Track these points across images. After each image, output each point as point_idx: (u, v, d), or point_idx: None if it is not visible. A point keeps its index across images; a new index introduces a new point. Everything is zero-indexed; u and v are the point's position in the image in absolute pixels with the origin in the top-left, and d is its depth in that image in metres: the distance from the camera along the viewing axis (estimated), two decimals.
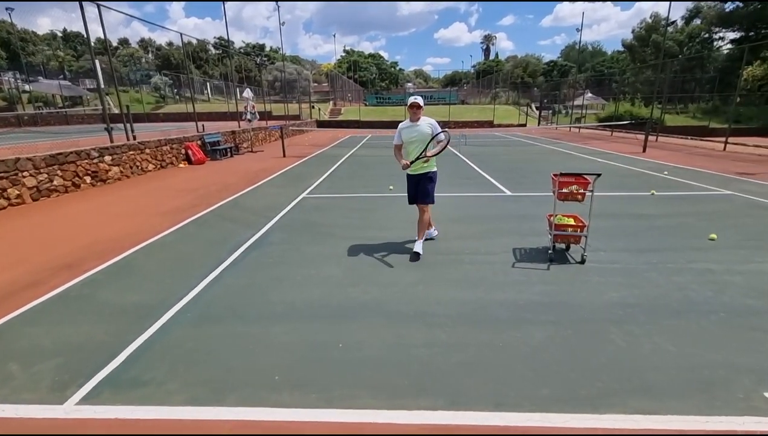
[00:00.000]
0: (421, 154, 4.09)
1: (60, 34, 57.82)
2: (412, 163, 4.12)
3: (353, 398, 2.23)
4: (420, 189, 4.30)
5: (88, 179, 8.47)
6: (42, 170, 7.42)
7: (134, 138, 10.49)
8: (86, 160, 8.43)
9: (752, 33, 29.66)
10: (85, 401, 2.25)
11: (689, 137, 19.94)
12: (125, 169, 9.64)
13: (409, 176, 4.39)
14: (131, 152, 9.89)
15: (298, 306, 3.30)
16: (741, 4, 30.90)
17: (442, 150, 4.11)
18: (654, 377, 2.36)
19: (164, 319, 3.10)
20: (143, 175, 10.17)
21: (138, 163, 10.16)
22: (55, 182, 7.68)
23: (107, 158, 9.03)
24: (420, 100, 4.13)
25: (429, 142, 4.11)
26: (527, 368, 2.48)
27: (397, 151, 4.37)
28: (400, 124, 4.32)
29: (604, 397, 2.20)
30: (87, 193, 8.07)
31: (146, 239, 5.04)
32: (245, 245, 4.78)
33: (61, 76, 45.06)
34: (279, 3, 31.99)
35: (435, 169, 4.33)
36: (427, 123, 4.16)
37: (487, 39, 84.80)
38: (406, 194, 4.53)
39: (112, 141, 9.57)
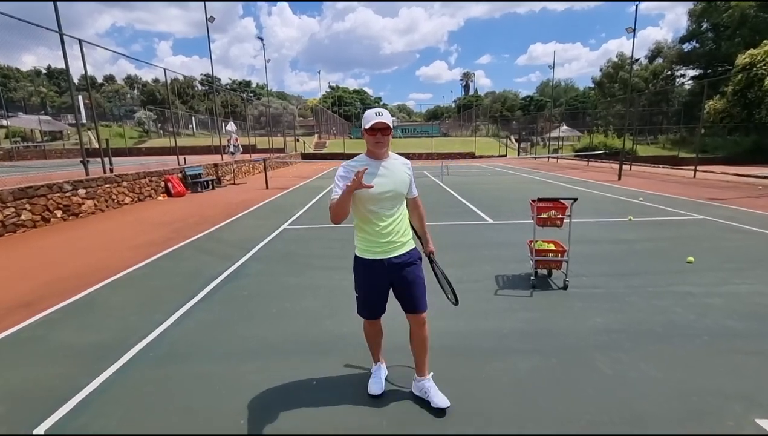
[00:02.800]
0: (395, 231, 2.15)
1: (44, 71, 57.99)
2: (384, 242, 2.13)
3: None
4: (405, 286, 2.20)
5: (59, 213, 8.16)
6: (9, 204, 7.11)
7: (111, 171, 10.28)
8: (58, 194, 8.15)
9: (710, 70, 31.92)
10: None
11: (660, 166, 20.80)
12: (100, 202, 9.36)
13: (370, 265, 2.16)
14: (107, 185, 9.64)
15: (270, 341, 3.11)
16: (698, 45, 33.43)
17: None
18: (643, 406, 2.25)
19: (123, 360, 2.86)
20: (119, 209, 9.89)
21: (114, 197, 9.89)
22: (22, 217, 7.35)
23: (81, 191, 8.77)
24: (388, 118, 2.03)
25: (405, 203, 2.26)
26: (512, 402, 2.34)
27: (338, 207, 2.00)
28: (345, 163, 2.15)
29: (593, 430, 2.07)
30: (57, 227, 7.75)
31: (113, 274, 4.78)
32: (220, 277, 4.58)
33: (43, 112, 44.72)
34: (264, 42, 32.99)
35: (414, 245, 2.29)
36: (400, 163, 2.21)
37: (467, 76, 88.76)
38: (361, 297, 2.31)
39: (87, 174, 9.34)
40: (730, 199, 9.81)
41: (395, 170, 2.16)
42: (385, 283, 2.21)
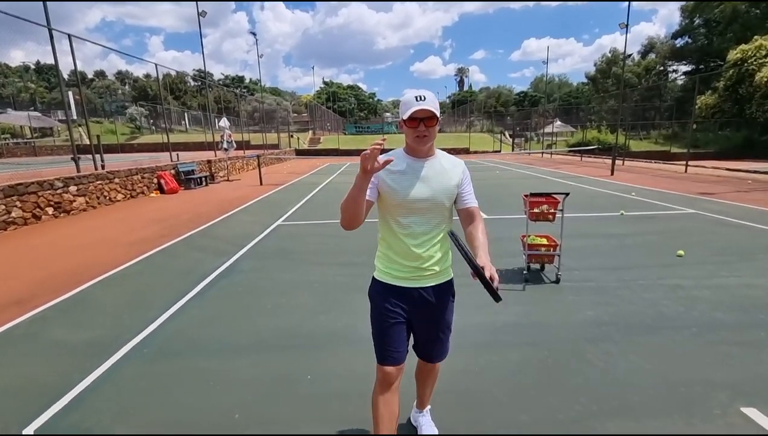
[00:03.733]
0: (430, 255, 1.65)
1: (33, 67, 57.04)
2: (412, 266, 1.65)
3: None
4: (428, 328, 1.77)
5: (50, 211, 8.07)
6: None
7: (103, 167, 10.17)
8: (49, 191, 8.06)
9: (702, 66, 32.19)
10: None
11: (653, 161, 21.00)
12: (91, 199, 9.27)
13: (390, 292, 1.69)
14: (99, 182, 9.55)
15: (265, 337, 3.12)
16: (690, 40, 33.68)
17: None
18: (631, 396, 2.29)
19: (117, 356, 2.85)
20: (111, 206, 9.80)
21: (106, 193, 9.80)
22: (12, 214, 7.27)
23: (72, 188, 8.67)
24: (433, 104, 1.50)
25: (446, 222, 1.69)
26: (504, 393, 2.37)
27: (348, 204, 1.47)
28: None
29: (582, 420, 2.12)
30: (48, 224, 7.67)
31: (106, 271, 4.75)
32: (213, 274, 4.57)
33: (32, 108, 44.02)
34: (257, 37, 32.73)
35: (451, 275, 1.79)
36: (450, 164, 1.66)
37: (461, 72, 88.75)
38: (376, 333, 1.73)
39: (79, 171, 9.24)
40: (720, 193, 9.93)
41: (439, 173, 1.60)
42: (407, 316, 1.68)
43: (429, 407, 2.10)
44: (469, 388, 2.42)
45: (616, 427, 2.05)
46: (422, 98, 1.49)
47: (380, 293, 1.70)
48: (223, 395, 2.40)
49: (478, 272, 1.34)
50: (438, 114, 1.51)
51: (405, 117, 1.50)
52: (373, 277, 1.76)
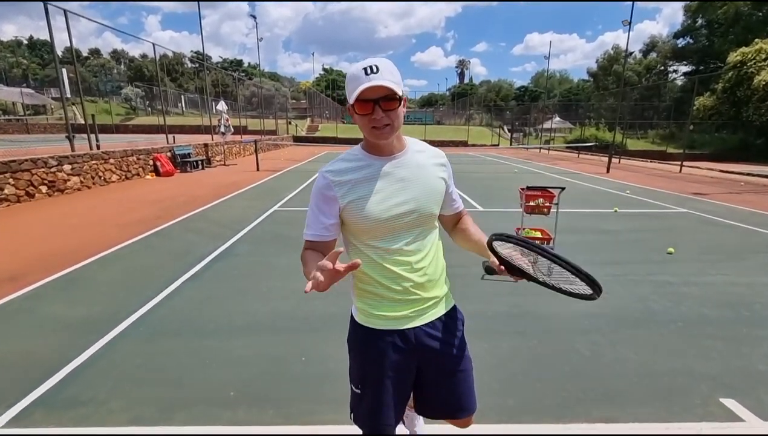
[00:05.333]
0: (425, 282, 1.26)
1: (25, 42, 55.77)
2: (406, 299, 1.24)
3: (313, 414, 2.11)
4: (443, 376, 1.33)
5: (44, 189, 8.00)
6: None
7: (98, 147, 10.06)
8: (43, 169, 7.97)
9: (702, 67, 32.24)
10: (13, 423, 2.02)
11: (649, 160, 21.14)
12: (86, 179, 9.18)
13: (381, 339, 1.26)
14: (93, 162, 9.45)
15: (260, 319, 3.15)
16: (692, 41, 33.66)
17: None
18: (616, 385, 2.37)
19: (113, 334, 2.88)
20: (106, 186, 9.72)
21: (100, 174, 9.70)
22: (6, 191, 7.20)
23: (66, 167, 8.58)
24: (390, 77, 1.06)
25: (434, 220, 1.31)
26: (494, 379, 2.44)
27: (310, 259, 1.14)
28: (326, 169, 1.22)
29: (568, 406, 2.18)
30: (42, 203, 7.60)
31: (101, 250, 4.75)
32: (209, 257, 4.58)
33: (25, 84, 43.18)
34: (257, 20, 32.20)
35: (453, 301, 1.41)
36: (428, 155, 1.27)
37: (462, 64, 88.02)
38: (363, 394, 1.34)
39: (73, 149, 9.13)
40: (713, 194, 10.06)
41: (418, 171, 1.22)
42: (409, 368, 1.29)
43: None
44: None
45: (600, 413, 2.13)
46: (373, 69, 1.05)
47: (370, 343, 1.27)
48: (219, 374, 2.44)
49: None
50: (399, 91, 1.08)
51: (352, 100, 1.09)
52: (353, 321, 1.35)
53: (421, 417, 1.75)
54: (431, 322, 1.29)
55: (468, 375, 1.37)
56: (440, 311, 1.32)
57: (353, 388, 1.36)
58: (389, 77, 1.06)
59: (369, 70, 1.05)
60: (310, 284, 0.94)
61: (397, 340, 1.25)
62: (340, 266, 0.95)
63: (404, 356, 1.26)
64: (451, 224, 1.42)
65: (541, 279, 1.13)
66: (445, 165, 1.31)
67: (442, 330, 1.30)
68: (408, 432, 1.90)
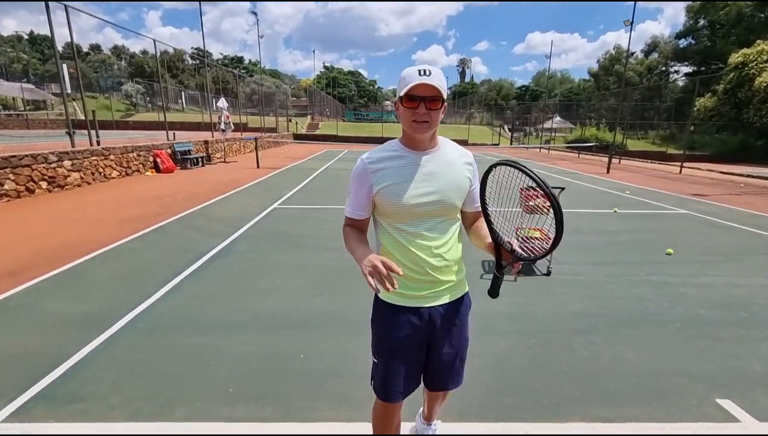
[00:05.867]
0: (444, 266, 1.39)
1: (26, 37, 55.63)
2: (425, 280, 1.39)
3: (311, 410, 2.12)
4: (448, 350, 1.51)
5: (44, 185, 8.00)
6: None
7: (98, 143, 10.05)
8: (43, 165, 7.97)
9: (703, 67, 32.20)
10: (13, 417, 2.04)
11: (649, 161, 21.14)
12: (86, 175, 9.18)
13: (402, 314, 1.41)
14: (94, 158, 9.44)
15: (260, 316, 3.17)
16: (693, 41, 33.60)
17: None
18: (614, 385, 2.38)
19: (113, 330, 2.89)
20: (106, 183, 9.72)
21: (101, 170, 9.70)
22: (6, 187, 7.20)
23: (66, 163, 8.58)
24: (439, 80, 1.22)
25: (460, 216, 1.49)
26: (492, 377, 2.45)
27: (354, 237, 1.37)
28: (366, 157, 1.37)
29: (565, 405, 2.20)
30: (42, 198, 7.60)
31: (102, 246, 4.76)
32: (209, 254, 4.59)
33: (25, 80, 43.06)
34: (258, 17, 32.13)
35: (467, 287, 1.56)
36: (457, 154, 1.42)
37: (463, 63, 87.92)
38: (381, 364, 1.49)
39: (73, 145, 9.12)
40: (712, 195, 10.07)
41: (446, 168, 1.35)
42: (420, 344, 1.44)
43: (438, 421, 1.93)
44: None
45: (598, 413, 2.14)
46: (427, 72, 1.20)
47: (388, 318, 1.42)
48: (218, 370, 2.45)
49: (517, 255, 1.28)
50: (444, 95, 1.23)
51: (402, 93, 1.22)
52: (376, 298, 1.46)
53: (434, 426, 1.90)
54: (444, 304, 1.43)
55: (464, 355, 1.57)
56: (453, 295, 1.45)
57: (373, 358, 1.53)
58: (438, 82, 1.21)
59: (423, 72, 1.21)
60: (373, 282, 1.13)
61: (412, 317, 1.40)
62: (384, 269, 1.13)
63: (416, 331, 1.41)
64: (470, 221, 1.52)
65: (528, 255, 1.33)
66: (472, 165, 1.44)
67: (453, 313, 1.45)
68: (417, 432, 1.96)
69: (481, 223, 1.45)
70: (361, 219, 1.41)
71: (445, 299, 1.43)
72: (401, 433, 1.90)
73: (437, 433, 1.95)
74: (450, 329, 1.46)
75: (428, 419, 1.91)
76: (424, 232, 1.35)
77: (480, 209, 1.44)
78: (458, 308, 1.48)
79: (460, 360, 1.55)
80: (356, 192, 1.37)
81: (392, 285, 1.12)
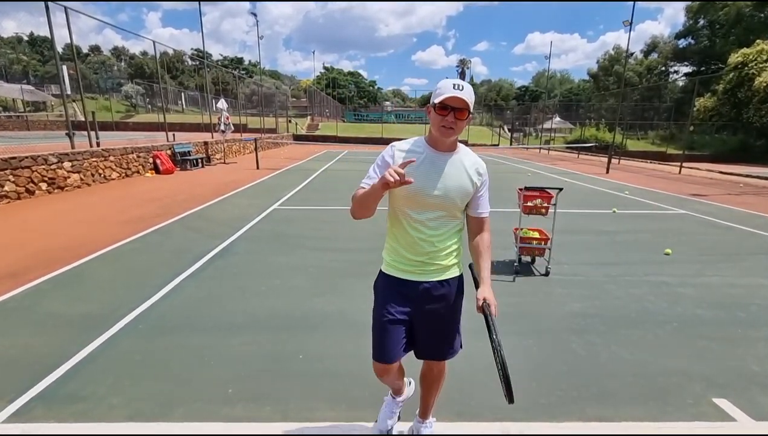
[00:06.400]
0: (436, 250, 1.59)
1: (26, 38, 55.68)
2: (416, 259, 1.60)
3: (310, 411, 2.14)
4: (431, 323, 1.68)
5: (43, 186, 8.01)
6: None
7: (98, 145, 10.07)
8: (43, 166, 7.99)
9: (703, 68, 32.22)
10: (13, 418, 2.05)
11: (648, 161, 21.16)
12: (86, 176, 9.20)
13: (395, 285, 1.66)
14: (93, 159, 9.46)
15: (259, 317, 3.18)
16: (693, 41, 33.63)
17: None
18: (611, 384, 2.39)
19: (113, 330, 2.90)
20: (106, 184, 9.73)
21: (101, 171, 9.72)
22: (6, 188, 7.21)
23: (66, 164, 8.59)
24: (470, 96, 1.43)
25: (455, 221, 1.63)
26: (489, 378, 2.45)
27: (362, 203, 1.53)
28: (396, 144, 1.61)
29: (562, 405, 2.21)
30: (42, 200, 7.62)
31: (102, 247, 4.77)
32: (208, 255, 4.61)
33: (25, 81, 43.08)
34: (258, 18, 32.16)
35: (460, 271, 1.72)
36: (470, 162, 1.59)
37: (463, 63, 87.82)
38: (376, 327, 1.70)
39: (73, 147, 9.14)
40: (712, 195, 10.08)
41: (458, 171, 1.53)
42: (407, 314, 1.62)
43: (433, 419, 1.98)
44: (455, 371, 2.50)
45: (595, 412, 2.15)
46: (460, 87, 1.42)
47: (385, 286, 1.67)
48: (217, 370, 2.46)
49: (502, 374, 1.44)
50: (471, 108, 1.44)
51: (436, 101, 1.44)
52: (380, 269, 1.73)
53: (429, 423, 1.97)
54: (432, 282, 1.61)
55: (452, 333, 1.72)
56: (442, 276, 1.62)
57: (372, 321, 1.72)
58: (468, 97, 1.42)
59: (456, 87, 1.42)
60: (386, 175, 1.33)
61: (403, 289, 1.62)
62: (399, 177, 1.31)
63: (404, 300, 1.62)
64: (473, 227, 1.67)
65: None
66: (482, 174, 1.60)
67: (439, 290, 1.62)
68: (413, 432, 1.98)
69: (480, 242, 1.65)
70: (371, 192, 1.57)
71: (432, 278, 1.61)
72: (399, 433, 1.98)
73: (433, 432, 1.96)
74: (437, 305, 1.64)
75: (423, 415, 1.96)
76: (426, 220, 1.55)
77: (483, 218, 1.64)
78: (445, 286, 1.64)
79: (446, 334, 1.70)
80: (378, 168, 1.56)
81: (401, 176, 1.31)
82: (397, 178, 1.30)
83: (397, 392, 1.97)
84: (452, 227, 1.61)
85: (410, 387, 2.07)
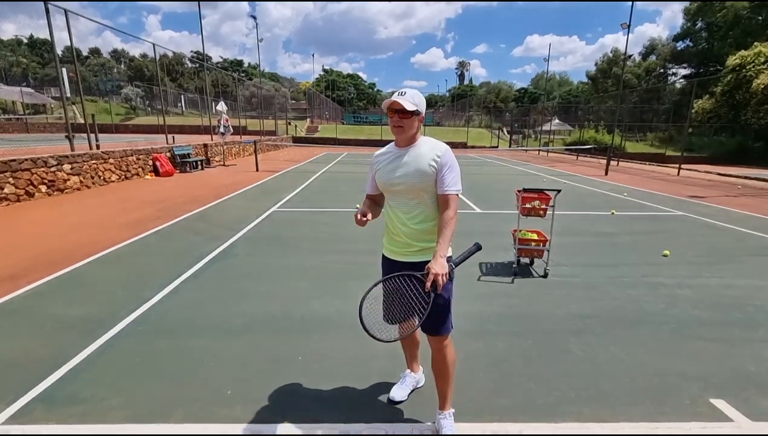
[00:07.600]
0: (412, 233, 1.85)
1: (26, 41, 55.72)
2: (400, 241, 1.90)
3: (309, 412, 2.14)
4: (417, 298, 1.72)
5: (43, 188, 8.02)
6: None
7: (98, 147, 10.09)
8: (42, 168, 8.00)
9: (701, 70, 32.33)
10: (13, 420, 2.05)
11: (647, 163, 21.21)
12: (86, 179, 9.21)
13: (387, 263, 1.99)
14: (93, 162, 9.47)
15: (258, 319, 3.19)
16: (691, 44, 33.76)
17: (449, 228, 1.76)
18: (608, 385, 2.40)
19: (112, 332, 2.91)
20: (105, 186, 9.74)
21: (100, 174, 9.73)
22: (5, 190, 7.22)
23: (66, 167, 8.61)
24: (409, 100, 1.73)
25: (419, 201, 1.83)
26: (488, 378, 2.47)
27: (365, 203, 1.99)
28: (376, 152, 1.98)
29: (560, 405, 2.22)
30: (42, 202, 7.62)
31: (101, 250, 4.78)
32: (208, 257, 4.62)
33: (24, 84, 43.13)
34: (257, 21, 32.26)
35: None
36: (428, 149, 1.80)
37: (462, 65, 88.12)
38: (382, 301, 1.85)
39: (73, 149, 9.15)
40: (710, 197, 10.11)
41: (416, 158, 1.79)
42: (395, 285, 1.76)
43: (452, 410, 2.04)
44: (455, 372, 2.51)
45: (592, 413, 2.16)
46: (402, 93, 1.73)
47: (382, 265, 2.02)
48: (216, 372, 2.47)
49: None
50: (410, 109, 1.71)
51: (384, 109, 1.77)
52: (383, 254, 2.04)
53: (448, 423, 2.02)
54: (415, 262, 1.85)
55: (437, 311, 1.79)
56: (424, 257, 1.82)
57: None
58: (407, 100, 1.71)
59: (399, 93, 1.74)
60: (358, 216, 1.84)
61: (393, 268, 1.88)
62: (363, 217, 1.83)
63: (393, 276, 1.77)
64: (440, 205, 1.82)
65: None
66: (440, 156, 1.78)
67: (421, 269, 1.73)
68: (431, 433, 2.02)
69: (444, 219, 1.76)
70: (373, 194, 1.99)
71: (414, 258, 1.86)
72: (419, 433, 2.05)
73: (454, 433, 1.98)
74: (419, 281, 1.75)
75: (440, 406, 2.05)
76: (398, 205, 1.86)
77: (446, 195, 1.77)
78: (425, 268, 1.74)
79: (435, 311, 1.74)
80: (370, 176, 1.97)
81: (358, 222, 1.84)
82: (362, 220, 1.83)
83: (409, 365, 2.32)
84: (424, 210, 1.83)
85: (420, 375, 2.36)
